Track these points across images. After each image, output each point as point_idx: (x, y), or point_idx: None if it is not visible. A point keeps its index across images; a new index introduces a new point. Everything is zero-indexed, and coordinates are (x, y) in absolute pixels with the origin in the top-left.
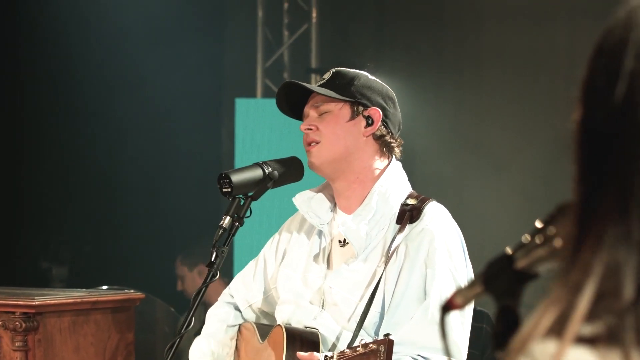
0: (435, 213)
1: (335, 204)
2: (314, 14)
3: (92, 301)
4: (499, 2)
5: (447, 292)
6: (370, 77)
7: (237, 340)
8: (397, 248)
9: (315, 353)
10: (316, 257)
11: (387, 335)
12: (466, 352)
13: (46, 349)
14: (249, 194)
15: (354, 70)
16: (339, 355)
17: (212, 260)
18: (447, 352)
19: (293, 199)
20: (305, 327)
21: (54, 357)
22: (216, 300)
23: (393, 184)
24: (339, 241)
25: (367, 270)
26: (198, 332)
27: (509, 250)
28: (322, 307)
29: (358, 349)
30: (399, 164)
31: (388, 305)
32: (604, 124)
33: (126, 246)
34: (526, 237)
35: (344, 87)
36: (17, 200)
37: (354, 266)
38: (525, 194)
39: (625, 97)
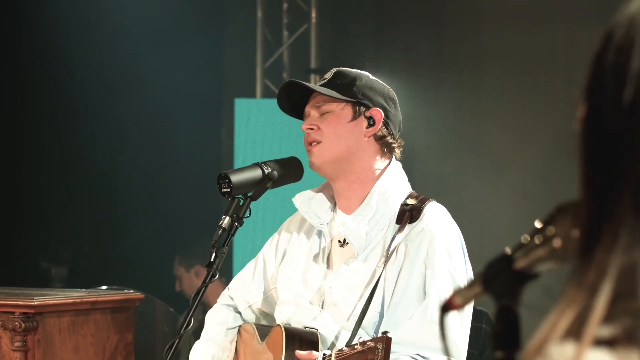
0: (435, 213)
1: (335, 204)
2: (314, 14)
3: (91, 301)
4: (499, 2)
5: (447, 292)
6: (371, 77)
7: (236, 341)
8: (396, 248)
9: (313, 352)
10: (316, 257)
11: (385, 332)
12: (466, 352)
13: (45, 349)
14: (249, 194)
15: (355, 70)
16: (337, 354)
17: (212, 260)
18: (447, 352)
19: (293, 199)
20: (305, 327)
21: (53, 357)
22: (214, 301)
23: (393, 184)
24: (339, 241)
25: (367, 270)
26: (197, 332)
27: (508, 251)
28: (322, 307)
29: (356, 346)
30: (399, 164)
31: (388, 305)
32: (613, 125)
33: (126, 246)
34: (525, 237)
35: (345, 87)
36: (17, 200)
37: (354, 266)
38: (525, 194)
39: (634, 98)
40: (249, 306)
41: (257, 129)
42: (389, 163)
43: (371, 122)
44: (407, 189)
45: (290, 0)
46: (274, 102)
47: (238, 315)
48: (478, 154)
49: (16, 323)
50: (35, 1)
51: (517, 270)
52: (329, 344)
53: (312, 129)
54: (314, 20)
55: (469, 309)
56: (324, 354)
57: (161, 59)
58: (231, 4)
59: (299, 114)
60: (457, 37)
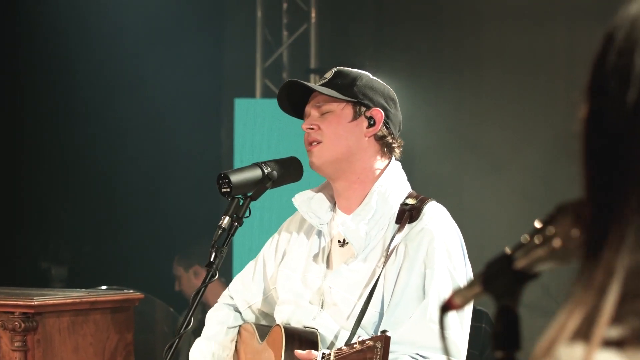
0: (435, 213)
1: (334, 204)
2: (313, 14)
3: (91, 301)
4: (499, 2)
5: (446, 292)
6: (371, 77)
7: (236, 341)
8: (396, 248)
9: (312, 351)
10: (316, 257)
11: (383, 331)
12: (465, 352)
13: (45, 349)
14: (248, 194)
15: (355, 69)
16: (336, 353)
17: (211, 260)
18: (446, 351)
19: (292, 199)
20: (305, 327)
21: (53, 357)
22: (214, 301)
23: (392, 183)
24: (339, 241)
25: (366, 270)
26: (196, 332)
27: (508, 250)
28: (322, 307)
29: (355, 345)
30: (399, 164)
31: (387, 305)
32: (616, 126)
33: (125, 246)
34: (525, 237)
35: (346, 87)
36: (17, 200)
37: (354, 266)
38: (525, 194)
39: (638, 99)
40: (249, 306)
41: (257, 129)
42: (389, 163)
43: (371, 122)
44: (407, 188)
45: (290, 0)
46: (273, 102)
47: (238, 314)
48: (478, 154)
49: (16, 323)
50: (35, 1)
51: (517, 270)
52: (328, 343)
53: (312, 128)
54: (313, 20)
55: (468, 308)
56: (323, 353)
57: (161, 59)
58: (231, 4)
59: (299, 114)
60: (456, 37)
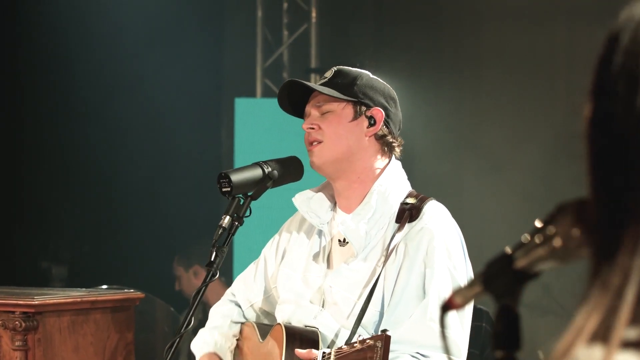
0: (435, 212)
1: (335, 204)
2: (314, 14)
3: (91, 301)
4: (499, 2)
5: (446, 291)
6: (372, 76)
7: (237, 339)
8: (396, 247)
9: (313, 350)
10: (316, 256)
11: (384, 331)
12: (466, 351)
13: (46, 348)
14: (249, 194)
15: (356, 69)
16: (337, 352)
17: (212, 259)
18: (447, 350)
19: (293, 199)
20: (306, 326)
21: (53, 357)
22: (215, 300)
23: (392, 183)
24: (339, 240)
25: (367, 269)
26: (197, 331)
27: (508, 250)
28: (322, 307)
29: (355, 345)
30: (399, 163)
31: (387, 304)
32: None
33: (126, 246)
34: (526, 237)
35: (346, 87)
36: (17, 200)
37: (354, 265)
38: (524, 194)
39: None
40: (251, 305)
41: (257, 128)
42: (389, 162)
43: (372, 121)
44: (407, 188)
45: (290, 0)
46: (274, 101)
47: (242, 311)
48: (478, 154)
49: (16, 322)
50: (35, 1)
51: (517, 269)
52: (329, 342)
53: (312, 128)
54: (314, 20)
55: (469, 307)
56: (324, 352)
57: (161, 59)
58: (231, 3)
59: (300, 113)
60: (456, 37)
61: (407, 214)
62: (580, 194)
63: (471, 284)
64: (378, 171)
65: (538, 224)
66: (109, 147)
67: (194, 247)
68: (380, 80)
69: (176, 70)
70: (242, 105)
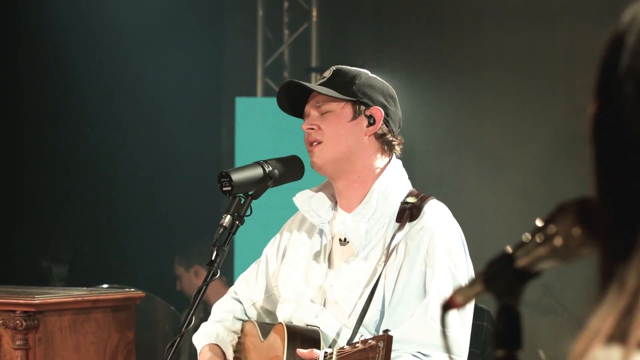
0: (435, 211)
1: (335, 203)
2: (314, 13)
3: (92, 300)
4: (499, 2)
5: (447, 290)
6: (370, 75)
7: (239, 337)
8: (397, 246)
9: (315, 350)
10: (317, 255)
11: (386, 331)
12: (467, 350)
13: (46, 347)
14: (250, 193)
15: (354, 68)
16: (339, 352)
17: (213, 259)
18: (448, 349)
19: (293, 199)
20: (307, 325)
21: (54, 356)
22: (215, 300)
23: (393, 182)
24: (340, 240)
25: (367, 268)
26: (197, 329)
27: (509, 249)
28: (324, 306)
29: (357, 345)
30: (399, 162)
31: (388, 303)
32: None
33: (126, 245)
34: (526, 236)
35: (345, 86)
36: (17, 199)
37: (355, 264)
38: (525, 193)
39: None
40: (253, 304)
41: (258, 127)
42: (389, 161)
43: (371, 120)
44: (408, 187)
45: None
46: (274, 100)
47: (244, 309)
48: (477, 153)
49: (17, 321)
50: (35, 1)
51: (518, 268)
52: (330, 341)
53: (312, 128)
54: (314, 19)
55: (470, 307)
56: (326, 352)
57: (161, 59)
58: (231, 3)
59: (299, 113)
60: (456, 37)
61: (408, 213)
62: (580, 194)
63: (472, 283)
64: (378, 170)
65: (539, 223)
66: (109, 147)
67: (195, 246)
68: (379, 79)
69: (176, 70)
70: (243, 105)
